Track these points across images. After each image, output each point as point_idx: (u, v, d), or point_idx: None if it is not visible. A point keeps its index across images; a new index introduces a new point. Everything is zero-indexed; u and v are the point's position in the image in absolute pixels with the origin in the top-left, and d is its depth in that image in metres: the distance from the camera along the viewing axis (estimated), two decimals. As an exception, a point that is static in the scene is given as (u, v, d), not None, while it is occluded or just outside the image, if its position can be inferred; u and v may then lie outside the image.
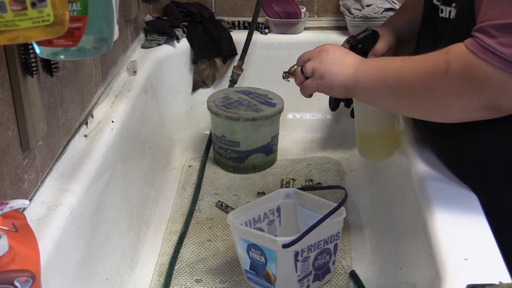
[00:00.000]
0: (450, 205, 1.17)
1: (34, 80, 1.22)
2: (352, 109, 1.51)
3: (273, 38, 2.28)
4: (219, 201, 1.87)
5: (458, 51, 1.03)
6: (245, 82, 2.26)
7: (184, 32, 2.22)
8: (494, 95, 1.01)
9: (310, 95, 1.33)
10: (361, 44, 1.45)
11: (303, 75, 1.29)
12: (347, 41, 1.45)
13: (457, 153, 1.24)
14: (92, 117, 1.61)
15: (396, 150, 1.51)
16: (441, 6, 1.21)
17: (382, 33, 1.47)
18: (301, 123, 2.30)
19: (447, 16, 1.19)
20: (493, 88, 1.00)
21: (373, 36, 1.46)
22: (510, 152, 1.15)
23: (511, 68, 0.97)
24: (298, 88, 1.35)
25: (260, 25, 2.28)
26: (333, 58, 1.24)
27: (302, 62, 1.31)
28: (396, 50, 1.49)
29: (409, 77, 1.10)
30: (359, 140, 1.56)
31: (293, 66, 1.38)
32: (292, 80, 1.36)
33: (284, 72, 1.40)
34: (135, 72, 1.91)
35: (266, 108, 2.01)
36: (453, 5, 1.17)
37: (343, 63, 1.23)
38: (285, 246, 1.38)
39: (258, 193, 1.92)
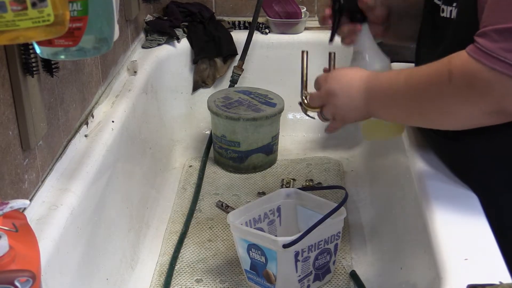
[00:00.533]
0: (450, 205, 1.17)
1: (34, 80, 1.22)
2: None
3: (273, 38, 2.28)
4: (219, 201, 1.87)
5: (460, 59, 1.03)
6: (245, 82, 2.26)
7: (184, 32, 2.22)
8: (498, 100, 1.01)
9: None
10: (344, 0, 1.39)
11: (325, 118, 1.30)
12: None
13: (458, 153, 1.24)
14: (93, 117, 1.61)
15: (400, 132, 1.46)
16: (442, 6, 1.21)
17: None
18: (301, 123, 2.30)
19: (448, 15, 1.19)
20: (497, 93, 1.00)
21: None
22: (511, 152, 1.15)
23: None
24: (299, 88, 1.35)
25: (261, 25, 2.28)
26: (343, 101, 1.24)
27: (318, 105, 1.30)
28: (387, 28, 1.44)
29: (415, 91, 1.11)
30: None
31: (302, 93, 1.35)
32: (296, 87, 1.34)
33: (301, 105, 1.36)
34: (135, 72, 1.91)
35: (266, 108, 2.01)
36: (454, 4, 1.17)
37: (354, 99, 1.22)
38: (285, 246, 1.38)
39: (259, 193, 1.92)
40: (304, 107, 1.35)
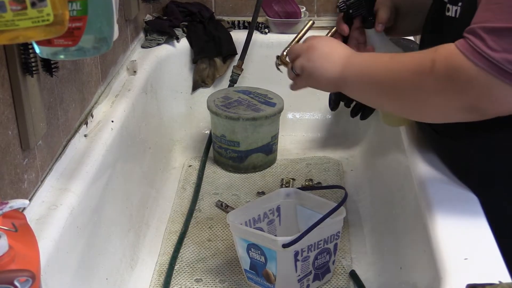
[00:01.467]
0: (450, 205, 1.17)
1: (34, 80, 1.22)
2: (352, 108, 1.51)
3: (273, 37, 2.28)
4: (219, 200, 1.87)
5: (446, 50, 1.03)
6: (245, 81, 2.26)
7: (184, 31, 2.22)
8: (476, 98, 1.01)
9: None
10: (352, 9, 1.39)
11: (293, 72, 1.28)
12: (337, 6, 1.41)
13: (458, 153, 1.24)
14: (92, 117, 1.60)
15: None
16: (448, 5, 1.21)
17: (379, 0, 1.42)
18: (301, 123, 2.30)
19: (453, 15, 1.19)
20: (476, 90, 1.00)
21: (367, 0, 1.39)
22: (510, 152, 1.15)
23: (497, 72, 0.97)
24: None
25: (260, 25, 2.28)
26: (320, 56, 1.22)
27: (292, 57, 1.29)
28: (395, 22, 1.44)
29: (395, 75, 1.10)
30: None
31: (285, 49, 1.34)
32: (283, 69, 1.34)
33: (277, 58, 1.36)
34: (135, 71, 1.91)
35: (266, 108, 2.01)
36: (460, 4, 1.17)
37: (330, 60, 1.21)
38: (285, 245, 1.38)
39: (258, 192, 1.92)
40: (279, 60, 1.34)
